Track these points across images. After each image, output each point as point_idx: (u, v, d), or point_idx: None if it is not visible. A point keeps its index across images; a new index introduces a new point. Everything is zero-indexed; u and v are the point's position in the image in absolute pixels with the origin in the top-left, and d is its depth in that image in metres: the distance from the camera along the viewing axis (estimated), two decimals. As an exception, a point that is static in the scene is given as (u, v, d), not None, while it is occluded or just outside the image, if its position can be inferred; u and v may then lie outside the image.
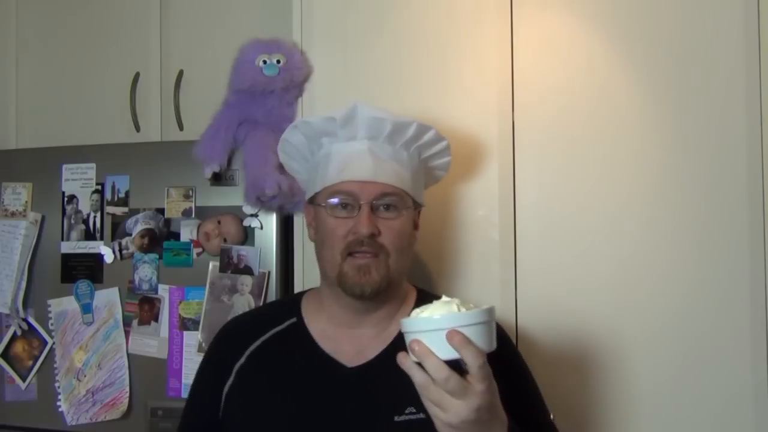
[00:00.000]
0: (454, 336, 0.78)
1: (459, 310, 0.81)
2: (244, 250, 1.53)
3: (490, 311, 0.83)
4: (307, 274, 1.48)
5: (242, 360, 1.09)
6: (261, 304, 1.50)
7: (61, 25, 1.95)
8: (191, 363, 1.52)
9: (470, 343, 0.79)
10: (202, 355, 1.22)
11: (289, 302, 1.20)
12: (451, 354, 0.79)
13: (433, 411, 0.81)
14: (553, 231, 1.41)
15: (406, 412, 1.01)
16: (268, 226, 1.53)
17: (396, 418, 1.00)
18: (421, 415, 0.96)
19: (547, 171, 1.42)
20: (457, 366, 0.80)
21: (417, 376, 0.80)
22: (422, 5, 1.48)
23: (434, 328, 0.80)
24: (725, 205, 1.35)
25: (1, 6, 1.98)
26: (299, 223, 1.51)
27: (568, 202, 1.41)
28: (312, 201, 1.13)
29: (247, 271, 1.52)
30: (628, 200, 1.39)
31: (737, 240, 1.34)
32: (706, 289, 1.35)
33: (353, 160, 1.07)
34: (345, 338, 1.09)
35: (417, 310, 0.85)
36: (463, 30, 1.46)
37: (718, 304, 1.35)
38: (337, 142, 1.10)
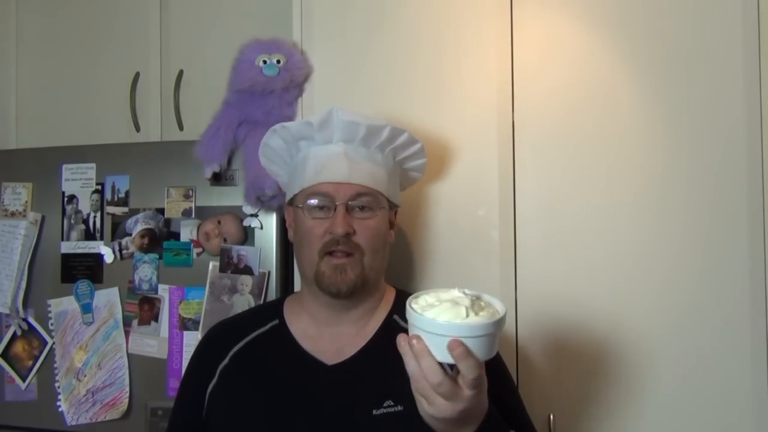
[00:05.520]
0: (455, 347, 0.76)
1: (467, 314, 0.78)
2: (244, 250, 1.53)
3: (499, 322, 0.80)
4: (307, 274, 1.48)
5: (226, 361, 1.12)
6: (261, 303, 1.50)
7: (61, 25, 1.95)
8: (191, 363, 1.53)
9: (469, 356, 0.77)
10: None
11: (272, 306, 1.24)
12: (449, 359, 0.77)
13: (419, 400, 0.82)
14: (553, 231, 1.41)
15: (384, 405, 1.03)
16: (268, 226, 1.53)
17: (374, 412, 1.02)
18: (399, 408, 1.00)
19: (547, 171, 1.42)
20: (452, 367, 0.79)
21: (410, 365, 0.80)
22: (422, 5, 1.48)
23: (436, 332, 0.77)
24: (725, 206, 1.35)
25: (1, 6, 1.98)
26: (299, 223, 1.51)
27: (568, 201, 1.41)
28: (291, 203, 1.16)
29: (247, 271, 1.52)
30: (628, 200, 1.39)
31: (737, 241, 1.34)
32: (705, 289, 1.35)
33: (329, 163, 1.11)
34: (326, 337, 1.12)
35: (426, 298, 0.83)
36: (463, 30, 1.46)
37: (718, 305, 1.35)
38: (314, 146, 1.14)
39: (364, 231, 1.09)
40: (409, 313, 0.81)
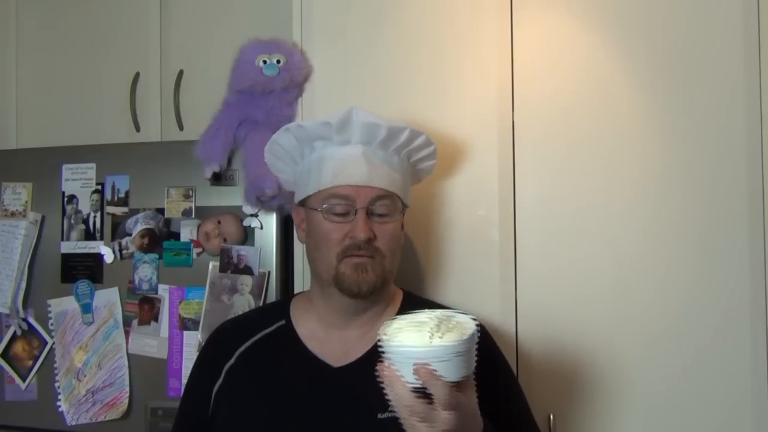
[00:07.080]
0: (420, 371, 0.77)
1: (432, 337, 0.79)
2: (244, 250, 1.53)
3: (469, 339, 0.80)
4: (307, 274, 1.47)
5: (232, 361, 1.12)
6: (261, 304, 1.51)
7: (61, 24, 1.95)
8: (191, 363, 1.50)
9: (436, 378, 0.78)
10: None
11: (279, 305, 1.23)
12: (419, 382, 0.79)
13: (405, 423, 0.83)
14: (553, 230, 1.41)
15: (389, 409, 1.01)
16: (268, 226, 1.53)
17: (379, 416, 1.01)
18: None
19: (547, 171, 1.42)
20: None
21: (389, 392, 0.81)
22: (422, 5, 1.48)
23: (403, 357, 0.79)
24: (725, 206, 1.35)
25: (1, 6, 1.98)
26: (299, 223, 1.51)
27: (568, 201, 1.41)
28: (303, 203, 1.14)
29: (247, 271, 1.52)
30: (628, 200, 1.39)
31: (737, 241, 1.34)
32: (705, 287, 1.35)
33: (348, 165, 1.09)
34: (332, 339, 1.11)
35: (397, 321, 0.84)
36: (463, 30, 1.46)
37: (718, 307, 1.35)
38: (331, 146, 1.12)
39: (384, 235, 1.08)
40: (380, 341, 0.82)
